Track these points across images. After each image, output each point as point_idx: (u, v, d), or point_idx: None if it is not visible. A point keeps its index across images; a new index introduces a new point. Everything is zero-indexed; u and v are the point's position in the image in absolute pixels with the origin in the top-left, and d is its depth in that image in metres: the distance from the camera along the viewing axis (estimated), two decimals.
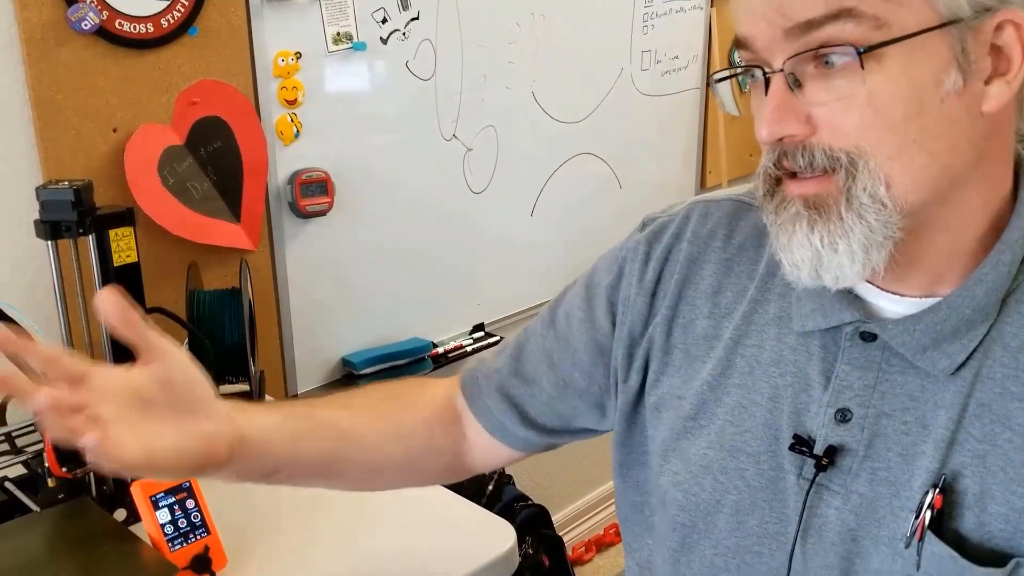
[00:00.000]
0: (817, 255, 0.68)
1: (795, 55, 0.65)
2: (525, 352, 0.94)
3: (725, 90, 0.78)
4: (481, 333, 2.05)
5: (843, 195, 0.67)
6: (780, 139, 0.68)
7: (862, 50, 0.63)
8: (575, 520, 2.47)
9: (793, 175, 0.69)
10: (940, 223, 0.70)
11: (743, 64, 0.70)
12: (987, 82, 0.66)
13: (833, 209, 0.67)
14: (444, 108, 1.85)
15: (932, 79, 0.65)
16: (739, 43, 0.70)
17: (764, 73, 0.68)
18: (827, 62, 0.65)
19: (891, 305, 0.74)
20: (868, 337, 0.74)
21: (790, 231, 0.69)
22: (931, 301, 0.72)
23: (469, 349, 1.98)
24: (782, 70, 0.66)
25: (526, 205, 2.09)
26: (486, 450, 0.96)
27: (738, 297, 0.83)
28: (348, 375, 1.80)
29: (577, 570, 2.40)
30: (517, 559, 1.11)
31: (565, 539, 2.14)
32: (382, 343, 1.86)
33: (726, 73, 0.76)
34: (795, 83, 0.66)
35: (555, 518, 2.07)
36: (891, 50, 0.63)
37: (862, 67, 0.63)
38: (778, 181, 0.71)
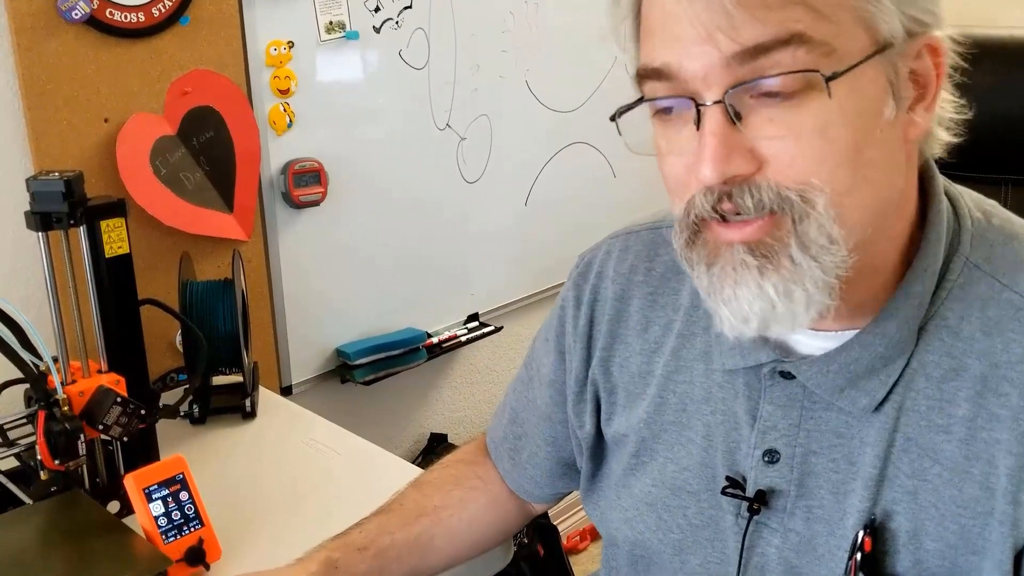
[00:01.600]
0: (771, 305, 0.62)
1: (739, 84, 0.59)
2: (518, 416, 0.98)
3: (630, 125, 0.69)
4: (476, 323, 2.05)
5: (793, 236, 0.61)
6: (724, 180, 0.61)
7: (829, 76, 0.58)
8: (570, 509, 2.48)
9: (724, 219, 0.63)
10: (868, 256, 0.65)
11: (661, 96, 0.63)
12: (910, 109, 0.64)
13: (782, 252, 0.61)
14: (437, 97, 1.84)
15: (874, 108, 0.61)
16: (654, 73, 0.63)
17: (697, 106, 0.61)
18: (773, 93, 0.59)
19: (808, 340, 0.71)
20: (788, 375, 0.72)
21: (734, 282, 0.63)
22: (845, 334, 0.69)
23: (463, 339, 1.98)
24: (721, 102, 0.60)
25: (520, 195, 2.09)
26: (530, 502, 1.02)
27: (665, 331, 0.82)
28: (342, 365, 1.80)
29: (572, 559, 2.40)
30: (512, 549, 1.11)
31: (560, 528, 2.15)
32: (376, 333, 1.85)
33: (651, 101, 0.65)
34: (736, 116, 0.60)
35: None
36: (842, 78, 0.59)
37: (830, 95, 0.59)
38: (698, 228, 0.65)
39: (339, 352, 1.80)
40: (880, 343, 0.68)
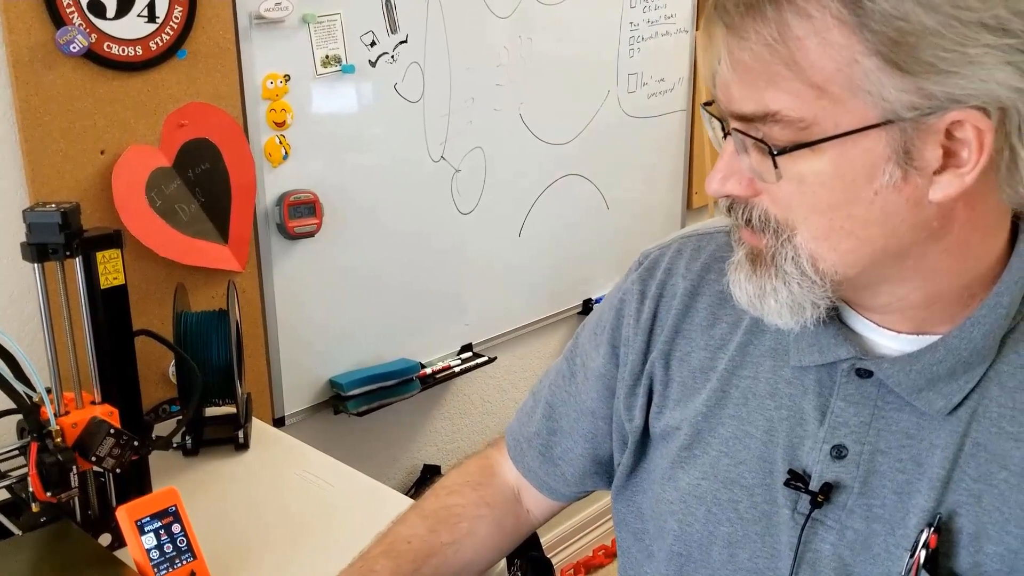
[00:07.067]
0: (751, 301, 0.72)
1: (739, 129, 0.68)
2: (555, 411, 0.97)
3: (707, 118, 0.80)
4: (469, 353, 2.05)
5: (773, 257, 0.69)
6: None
7: (776, 152, 0.65)
8: (564, 542, 2.47)
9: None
10: (900, 280, 0.70)
11: (714, 113, 0.72)
12: (938, 172, 0.65)
13: (769, 265, 0.70)
14: (432, 130, 1.86)
15: (864, 173, 0.65)
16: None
17: (723, 127, 0.70)
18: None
19: (887, 341, 0.74)
20: (864, 373, 0.74)
21: (734, 271, 0.74)
22: (926, 339, 0.72)
23: (457, 370, 1.98)
24: (730, 134, 0.69)
25: (514, 226, 2.10)
26: (541, 505, 1.01)
27: (732, 328, 0.84)
28: (336, 396, 1.79)
29: None
30: None
31: (554, 562, 2.14)
32: (370, 364, 1.85)
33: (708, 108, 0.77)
34: (743, 148, 0.68)
35: (543, 540, 2.07)
36: (825, 143, 0.64)
37: (775, 166, 0.65)
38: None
39: (332, 383, 1.80)
40: (965, 348, 0.70)
